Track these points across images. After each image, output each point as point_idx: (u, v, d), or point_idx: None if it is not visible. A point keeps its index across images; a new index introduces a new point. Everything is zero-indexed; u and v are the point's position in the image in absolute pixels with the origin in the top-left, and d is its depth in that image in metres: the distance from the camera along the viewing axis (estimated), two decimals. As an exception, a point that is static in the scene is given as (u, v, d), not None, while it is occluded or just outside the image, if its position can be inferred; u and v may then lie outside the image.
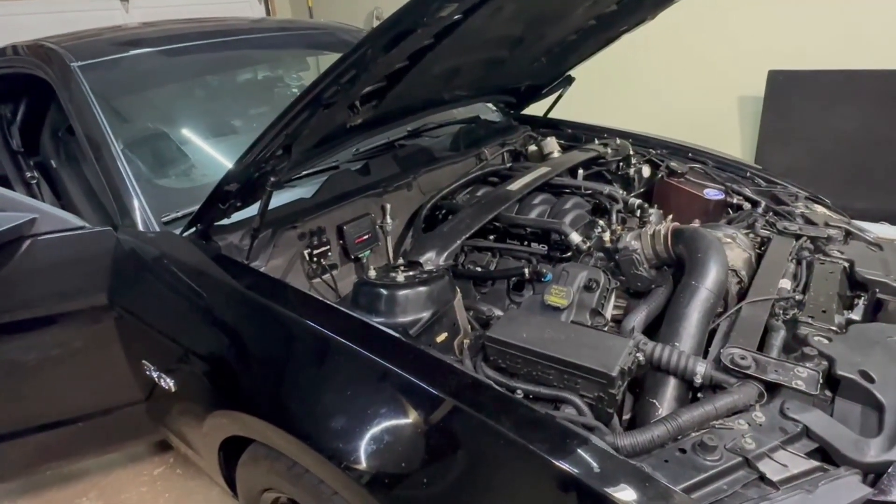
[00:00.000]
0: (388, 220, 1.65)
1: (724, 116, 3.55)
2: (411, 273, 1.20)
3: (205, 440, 1.30)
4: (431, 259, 1.28)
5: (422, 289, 1.15)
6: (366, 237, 1.58)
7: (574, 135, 2.33)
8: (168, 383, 1.31)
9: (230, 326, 1.18)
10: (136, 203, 1.43)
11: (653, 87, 3.72)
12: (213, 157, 1.70)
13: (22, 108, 2.26)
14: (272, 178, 1.18)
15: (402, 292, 1.14)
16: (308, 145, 1.22)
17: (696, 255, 1.28)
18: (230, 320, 1.18)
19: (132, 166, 1.49)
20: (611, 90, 3.74)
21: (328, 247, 1.50)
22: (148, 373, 1.37)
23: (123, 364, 1.46)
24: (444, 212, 1.75)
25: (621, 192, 1.77)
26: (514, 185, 1.60)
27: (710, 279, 1.23)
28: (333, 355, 1.00)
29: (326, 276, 1.52)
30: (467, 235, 1.38)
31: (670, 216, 1.50)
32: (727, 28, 3.36)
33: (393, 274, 1.20)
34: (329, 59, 2.52)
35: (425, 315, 1.14)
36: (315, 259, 1.47)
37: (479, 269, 1.49)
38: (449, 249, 1.31)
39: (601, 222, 1.54)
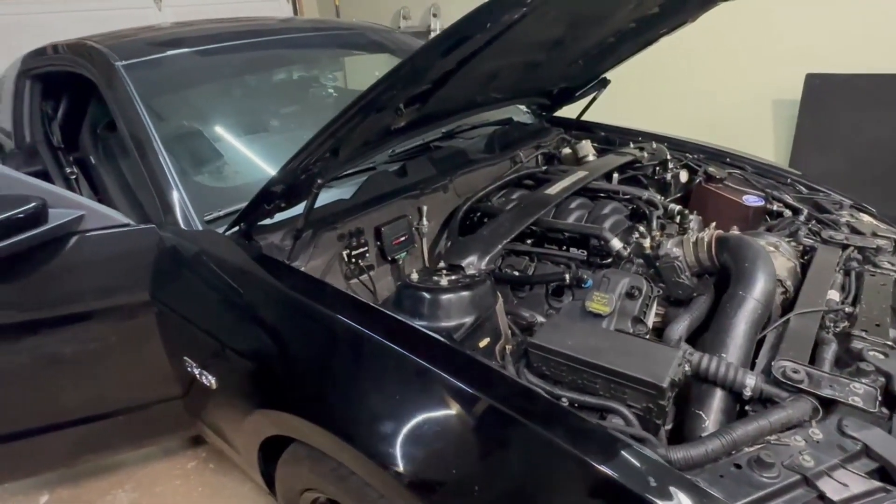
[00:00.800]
0: (425, 221, 1.65)
1: (758, 120, 3.48)
2: (454, 277, 1.19)
3: (245, 438, 1.32)
4: (473, 263, 1.28)
5: (465, 293, 1.15)
6: (402, 239, 1.58)
7: (607, 138, 2.31)
8: (209, 380, 1.33)
9: (275, 326, 1.19)
10: (179, 201, 1.45)
11: (683, 90, 3.67)
12: (253, 156, 1.72)
13: (63, 105, 2.31)
14: (319, 180, 1.18)
15: (445, 296, 1.14)
16: (355, 148, 1.22)
17: (742, 265, 1.26)
18: (275, 320, 1.19)
19: (175, 165, 1.51)
20: (641, 92, 3.69)
21: (366, 248, 1.51)
22: (189, 369, 1.39)
23: (163, 360, 1.48)
24: (479, 214, 1.75)
25: (659, 197, 1.75)
26: (553, 189, 1.59)
27: (758, 289, 1.20)
28: (381, 359, 1.00)
29: (364, 277, 1.52)
30: (508, 240, 1.37)
31: (713, 223, 1.48)
32: (763, 30, 3.30)
33: (436, 278, 1.20)
34: (361, 59, 2.54)
35: (468, 320, 1.13)
36: (353, 260, 1.48)
37: (516, 273, 1.48)
38: (491, 254, 1.30)
39: (641, 228, 1.52)
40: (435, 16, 4.90)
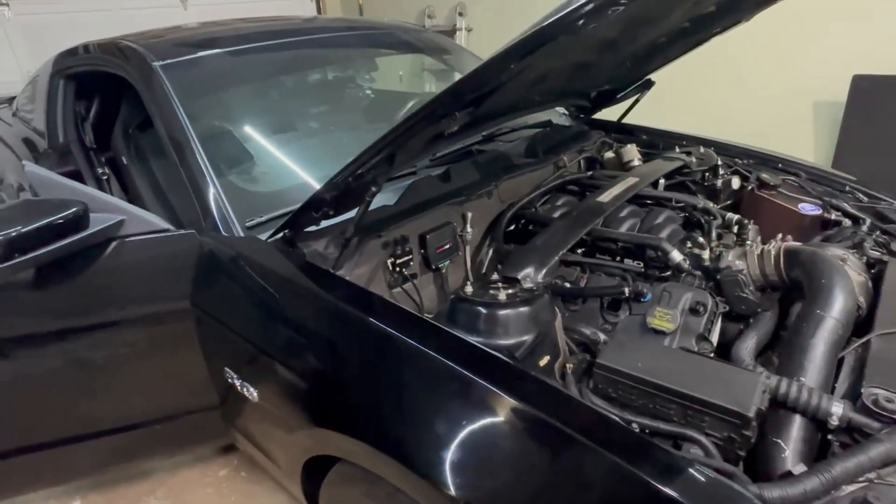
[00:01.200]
0: (469, 228, 1.59)
1: (798, 122, 3.37)
2: (511, 291, 1.13)
3: (287, 454, 1.27)
4: (529, 276, 1.22)
5: (525, 309, 1.09)
6: (447, 247, 1.53)
7: (650, 141, 2.23)
8: (250, 392, 1.29)
9: (323, 340, 1.14)
10: (220, 207, 1.41)
11: (720, 90, 3.56)
12: (292, 160, 1.68)
13: (95, 105, 2.29)
14: (373, 188, 1.13)
15: (504, 312, 1.08)
16: (412, 154, 1.17)
17: (818, 281, 1.18)
18: (323, 333, 1.14)
19: (215, 169, 1.47)
20: (677, 93, 3.59)
21: (410, 256, 1.45)
22: (229, 379, 1.35)
23: (202, 368, 1.44)
24: (523, 221, 1.69)
25: (712, 205, 1.67)
26: (605, 197, 1.52)
27: (837, 308, 1.13)
28: (443, 379, 0.94)
29: (408, 286, 1.47)
30: (564, 251, 1.31)
31: (779, 235, 1.40)
32: (807, 29, 3.18)
33: (493, 291, 1.13)
34: (394, 59, 2.49)
35: (528, 337, 1.07)
36: (398, 269, 1.43)
37: (567, 284, 1.41)
38: (548, 265, 1.24)
39: (700, 238, 1.44)
40: (461, 14, 4.83)
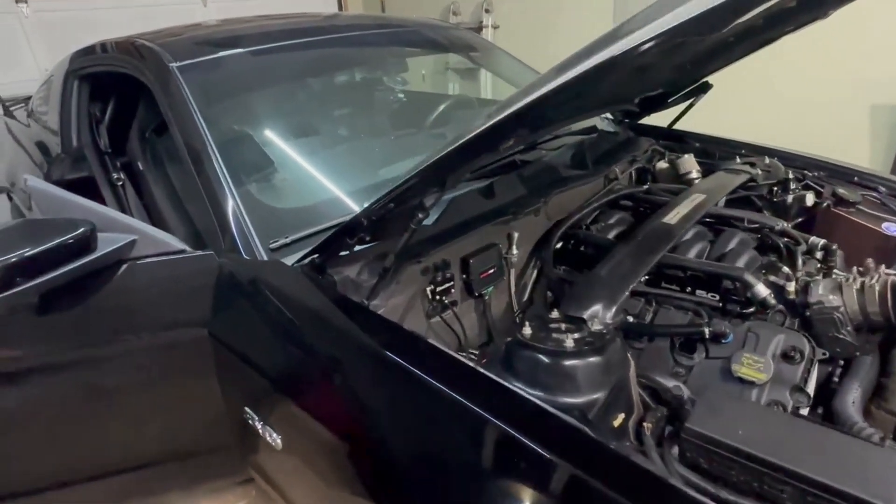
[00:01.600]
0: (514, 250, 1.42)
1: (854, 127, 3.13)
2: (579, 336, 0.96)
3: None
4: (597, 315, 1.04)
5: (597, 359, 0.92)
6: (491, 271, 1.36)
7: (704, 150, 2.03)
8: (274, 439, 1.14)
9: (360, 389, 0.98)
10: (241, 225, 1.27)
11: (767, 92, 3.34)
12: (321, 172, 1.52)
13: (110, 107, 2.18)
14: (420, 214, 0.97)
15: (573, 363, 0.92)
16: (463, 175, 1.01)
17: None
18: (359, 383, 0.99)
19: (236, 181, 1.33)
20: (726, 96, 3.38)
21: (452, 282, 1.30)
22: (250, 421, 1.20)
23: (220, 405, 1.30)
24: (572, 241, 1.52)
25: (788, 225, 1.48)
26: (672, 218, 1.34)
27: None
28: (512, 456, 0.78)
29: (448, 315, 1.31)
30: (635, 283, 1.13)
31: (882, 266, 1.21)
32: (863, 27, 2.95)
33: (557, 335, 0.97)
34: (421, 59, 2.33)
35: (602, 395, 0.90)
36: (438, 297, 1.27)
37: (631, 318, 1.24)
38: (618, 302, 1.06)
39: (784, 268, 1.26)
40: (487, 11, 4.65)
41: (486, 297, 1.40)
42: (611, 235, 1.51)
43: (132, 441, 1.35)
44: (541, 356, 0.93)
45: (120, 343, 1.27)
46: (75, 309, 1.21)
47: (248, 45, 1.71)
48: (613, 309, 1.05)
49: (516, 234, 1.42)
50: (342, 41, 1.87)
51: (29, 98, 2.89)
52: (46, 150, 2.36)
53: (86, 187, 2.02)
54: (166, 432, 1.35)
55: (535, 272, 1.55)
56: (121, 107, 2.13)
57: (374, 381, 0.97)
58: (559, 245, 1.51)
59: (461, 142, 0.84)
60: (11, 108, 3.05)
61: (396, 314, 1.22)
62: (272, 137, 1.57)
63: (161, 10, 4.48)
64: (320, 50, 1.80)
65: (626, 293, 1.09)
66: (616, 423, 0.92)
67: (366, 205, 1.00)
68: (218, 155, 1.36)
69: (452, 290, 1.31)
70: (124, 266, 1.21)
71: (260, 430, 1.17)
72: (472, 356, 1.26)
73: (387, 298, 1.20)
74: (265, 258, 1.23)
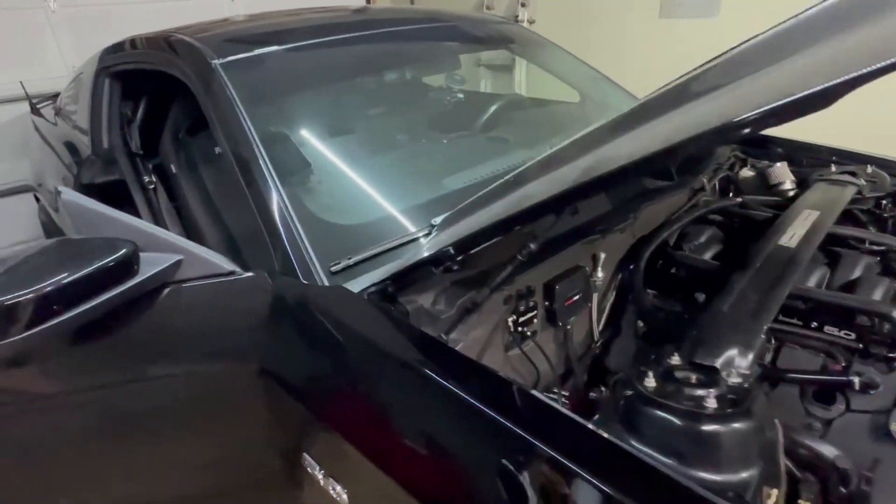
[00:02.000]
0: (599, 273, 1.25)
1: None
2: (719, 392, 0.79)
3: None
4: (733, 363, 0.87)
5: (746, 425, 0.75)
6: (576, 297, 1.20)
7: (788, 155, 1.84)
8: (338, 494, 0.99)
9: (444, 448, 0.83)
10: (298, 244, 1.12)
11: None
12: (384, 183, 1.36)
13: (142, 106, 2.06)
14: (531, 245, 0.81)
15: (718, 429, 0.75)
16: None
17: None
18: (444, 439, 0.83)
19: (290, 195, 1.18)
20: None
21: (535, 311, 1.13)
22: (309, 470, 1.05)
23: (274, 447, 1.16)
24: (661, 263, 1.34)
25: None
26: (789, 240, 1.15)
27: None
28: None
29: (528, 347, 1.15)
30: (770, 322, 0.96)
31: None
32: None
33: (689, 390, 0.80)
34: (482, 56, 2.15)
35: (755, 471, 0.73)
36: (520, 328, 1.11)
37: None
38: (756, 347, 0.89)
39: (931, 302, 1.08)
40: (523, 5, 4.46)
41: (569, 327, 1.23)
42: (707, 256, 1.33)
43: (168, 486, 1.22)
44: (674, 420, 0.76)
45: (160, 373, 1.14)
46: (112, 337, 1.08)
47: (293, 41, 1.56)
48: (751, 356, 0.87)
49: (603, 255, 1.25)
50: (394, 36, 1.71)
51: (56, 95, 2.80)
52: (75, 150, 2.25)
53: (116, 191, 1.90)
54: (210, 477, 1.21)
55: (614, 295, 1.38)
56: (153, 106, 2.01)
57: (466, 437, 0.81)
58: (655, 267, 1.33)
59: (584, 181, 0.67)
60: (38, 106, 2.96)
61: (476, 348, 1.07)
62: (329, 144, 1.41)
63: (190, 4, 4.37)
64: (373, 46, 1.64)
65: (762, 335, 0.92)
66: (770, 501, 0.75)
67: (457, 231, 0.84)
68: (270, 164, 1.21)
69: (535, 320, 1.15)
70: (168, 289, 1.08)
71: (321, 481, 1.02)
72: (564, 401, 1.10)
73: (466, 332, 1.04)
74: (326, 282, 1.08)
